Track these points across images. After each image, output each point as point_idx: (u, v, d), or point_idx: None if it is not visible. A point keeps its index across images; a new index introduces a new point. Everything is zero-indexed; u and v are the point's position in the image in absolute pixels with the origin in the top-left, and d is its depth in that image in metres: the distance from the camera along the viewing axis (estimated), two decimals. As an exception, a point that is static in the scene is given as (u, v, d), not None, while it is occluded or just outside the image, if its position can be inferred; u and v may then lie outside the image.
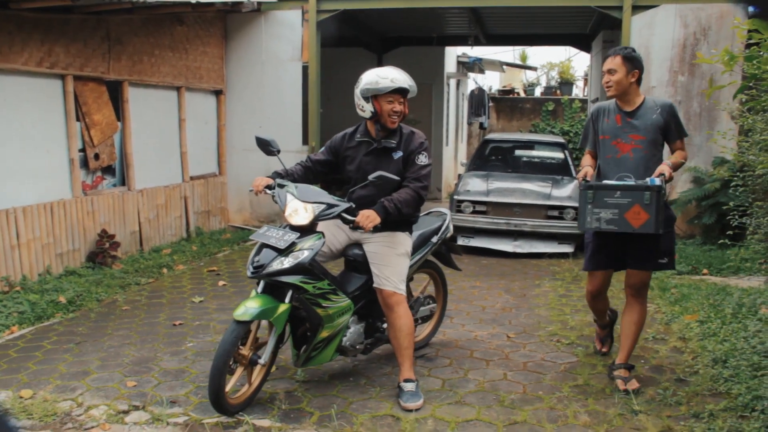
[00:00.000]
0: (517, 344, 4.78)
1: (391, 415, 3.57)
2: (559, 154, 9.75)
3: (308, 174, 4.06)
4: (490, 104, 17.21)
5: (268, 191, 3.81)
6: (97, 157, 6.91)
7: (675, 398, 3.73)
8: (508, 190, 8.33)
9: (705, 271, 6.80)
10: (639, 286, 3.94)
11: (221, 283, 6.49)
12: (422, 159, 3.80)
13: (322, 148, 4.11)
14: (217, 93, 9.17)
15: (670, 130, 3.87)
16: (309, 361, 3.75)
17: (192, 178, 8.55)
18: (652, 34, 8.10)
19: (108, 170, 7.23)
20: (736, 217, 4.47)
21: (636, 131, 3.85)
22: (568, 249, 7.84)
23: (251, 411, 3.55)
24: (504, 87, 19.85)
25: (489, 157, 9.84)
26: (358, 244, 3.93)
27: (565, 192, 8.21)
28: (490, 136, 10.65)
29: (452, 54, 15.01)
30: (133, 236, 7.43)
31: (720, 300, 5.45)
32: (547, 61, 21.76)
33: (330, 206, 3.60)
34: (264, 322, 3.58)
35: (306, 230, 3.59)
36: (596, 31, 11.64)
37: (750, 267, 6.56)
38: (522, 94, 19.37)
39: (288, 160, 4.48)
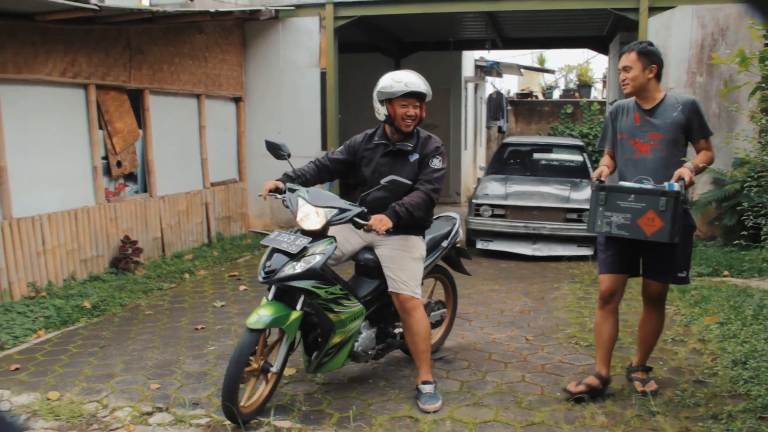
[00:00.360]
0: (535, 347, 4.79)
1: (410, 417, 3.61)
2: (577, 157, 9.74)
3: (323, 172, 4.03)
4: (509, 108, 17.19)
5: (278, 196, 3.77)
6: (119, 164, 7.03)
7: (693, 399, 3.71)
8: (527, 193, 8.33)
9: (726, 273, 6.73)
10: (656, 296, 3.80)
11: (242, 287, 6.57)
12: (436, 162, 3.81)
13: (341, 147, 4.09)
14: (237, 100, 9.27)
15: (692, 128, 3.61)
16: (321, 367, 3.71)
17: (213, 185, 8.65)
18: (669, 35, 8.04)
19: (130, 177, 7.34)
20: (751, 217, 4.42)
21: (655, 130, 3.62)
22: (587, 252, 7.81)
23: (272, 413, 3.60)
24: (522, 90, 19.86)
25: (507, 161, 9.83)
26: (369, 249, 3.91)
27: (583, 195, 8.17)
28: (509, 139, 10.64)
29: (470, 58, 15.02)
30: (155, 242, 7.54)
31: (740, 302, 5.39)
32: (566, 64, 21.72)
33: (342, 210, 3.58)
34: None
35: (317, 235, 3.56)
36: (613, 33, 11.58)
37: (771, 268, 6.50)
38: (540, 97, 19.33)
39: (306, 165, 4.50)
